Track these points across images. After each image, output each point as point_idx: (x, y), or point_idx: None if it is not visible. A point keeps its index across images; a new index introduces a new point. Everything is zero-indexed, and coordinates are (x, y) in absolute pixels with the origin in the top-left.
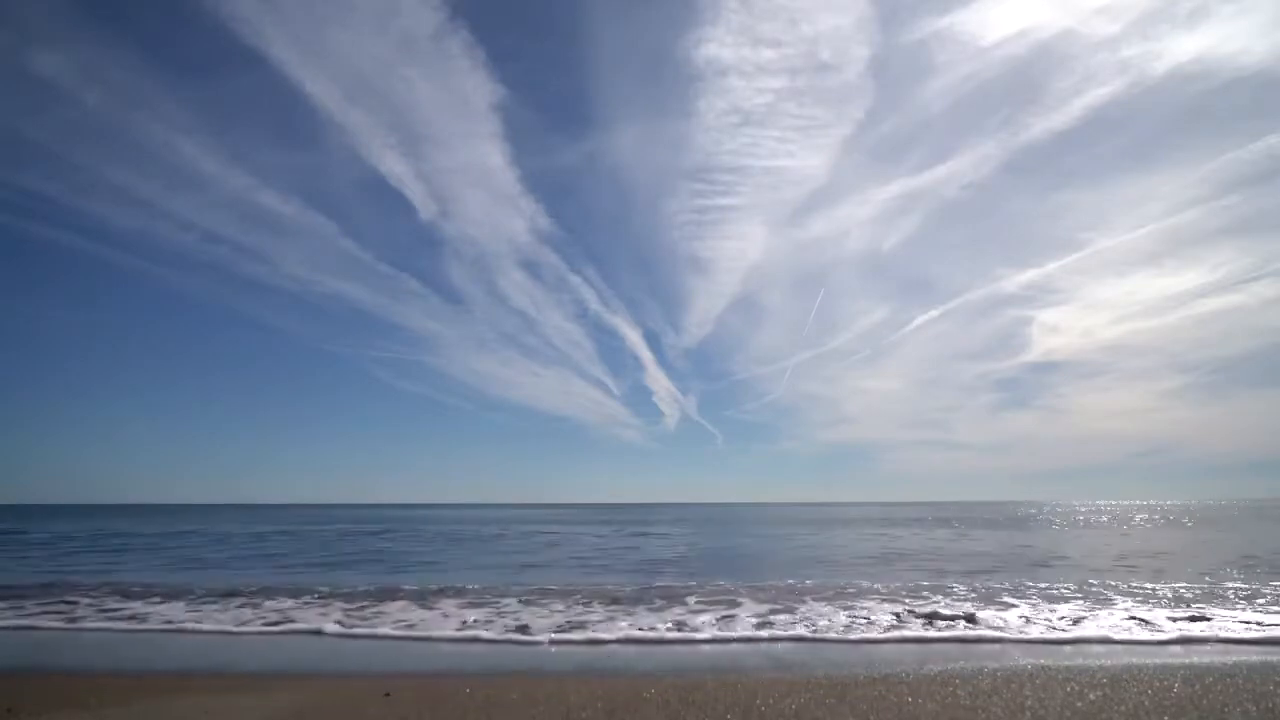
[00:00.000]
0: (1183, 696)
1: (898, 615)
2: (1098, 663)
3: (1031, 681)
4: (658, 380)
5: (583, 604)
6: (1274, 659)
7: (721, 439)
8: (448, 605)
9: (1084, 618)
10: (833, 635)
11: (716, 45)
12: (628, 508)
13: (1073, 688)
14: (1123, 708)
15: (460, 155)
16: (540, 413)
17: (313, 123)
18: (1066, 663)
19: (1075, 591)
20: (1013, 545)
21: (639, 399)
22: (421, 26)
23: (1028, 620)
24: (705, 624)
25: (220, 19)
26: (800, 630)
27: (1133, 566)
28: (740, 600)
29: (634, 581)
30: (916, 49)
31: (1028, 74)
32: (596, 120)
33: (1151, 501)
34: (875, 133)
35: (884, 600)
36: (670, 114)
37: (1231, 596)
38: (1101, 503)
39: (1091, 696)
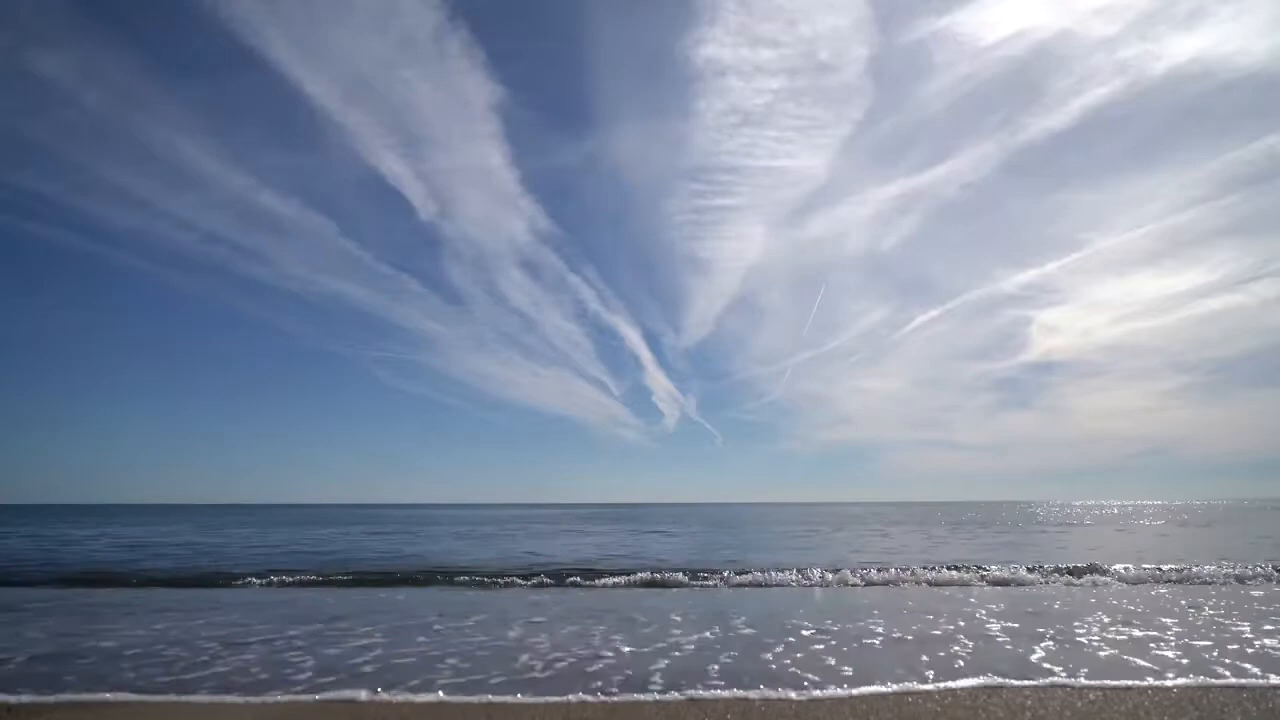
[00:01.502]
0: (1183, 697)
1: None
2: None
3: None
4: (657, 380)
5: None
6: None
7: (721, 439)
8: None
9: None
10: None
11: (715, 45)
12: (626, 508)
13: (1073, 687)
14: (1122, 708)
15: (460, 155)
16: (540, 413)
17: (312, 123)
18: None
19: None
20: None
21: (639, 399)
22: (421, 26)
23: None
24: None
25: (220, 19)
26: None
27: None
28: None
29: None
30: (915, 49)
31: (1026, 74)
32: (596, 120)
33: (1159, 502)
34: (874, 133)
35: None
36: (669, 114)
37: None
38: (1107, 503)
39: (1091, 696)
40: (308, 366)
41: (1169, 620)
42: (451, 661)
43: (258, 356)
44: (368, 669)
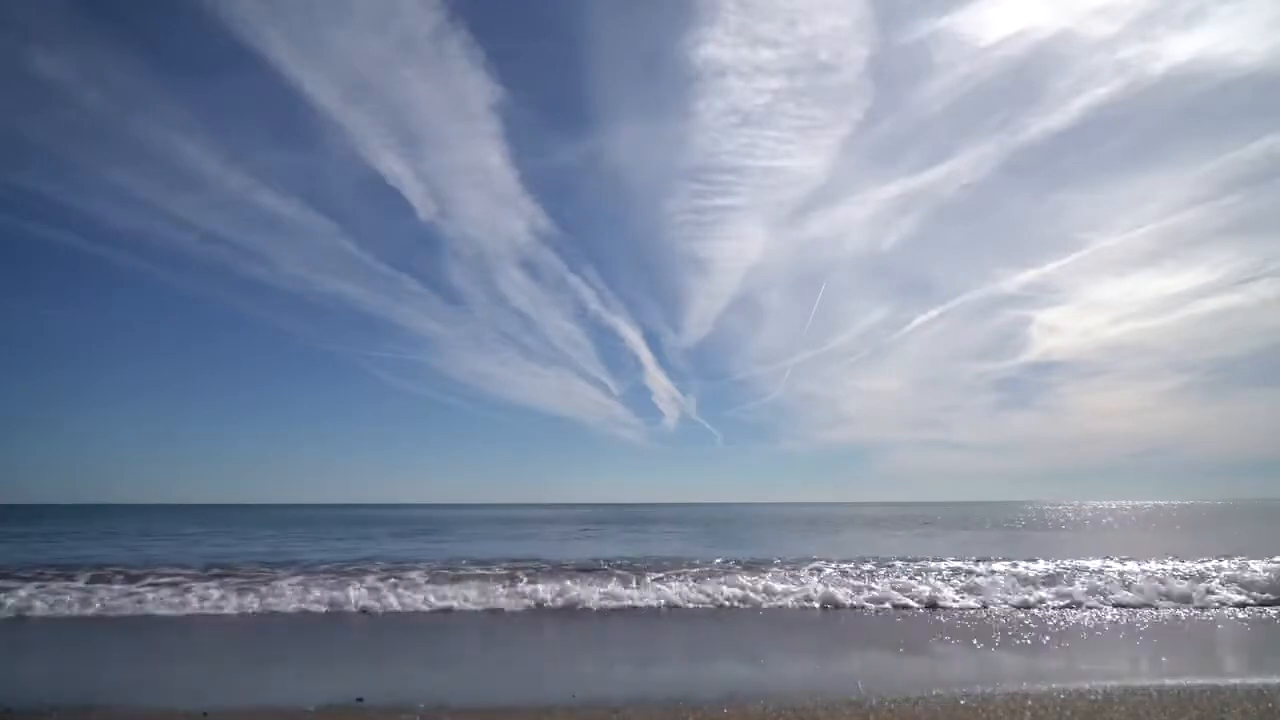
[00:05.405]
0: (1183, 696)
1: None
2: None
3: None
4: (657, 380)
5: None
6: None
7: (721, 439)
8: None
9: None
10: None
11: (715, 45)
12: (625, 508)
13: (1073, 687)
14: (1123, 708)
15: (459, 155)
16: (540, 413)
17: (312, 123)
18: None
19: None
20: None
21: (639, 399)
22: (420, 26)
23: None
24: None
25: (220, 19)
26: None
27: None
28: None
29: None
30: (915, 49)
31: (1026, 74)
32: (596, 120)
33: (1162, 501)
34: (874, 133)
35: None
36: (669, 114)
37: None
38: (1106, 504)
39: (1091, 697)
40: (307, 367)
41: None
42: None
43: (258, 356)
44: None
